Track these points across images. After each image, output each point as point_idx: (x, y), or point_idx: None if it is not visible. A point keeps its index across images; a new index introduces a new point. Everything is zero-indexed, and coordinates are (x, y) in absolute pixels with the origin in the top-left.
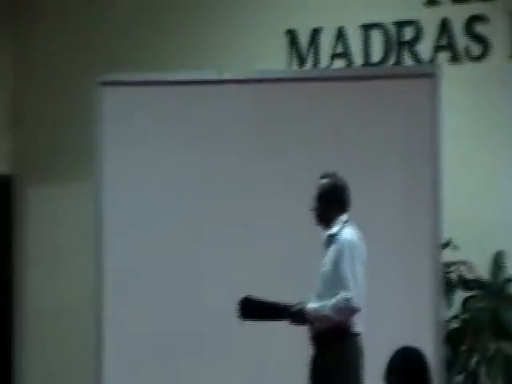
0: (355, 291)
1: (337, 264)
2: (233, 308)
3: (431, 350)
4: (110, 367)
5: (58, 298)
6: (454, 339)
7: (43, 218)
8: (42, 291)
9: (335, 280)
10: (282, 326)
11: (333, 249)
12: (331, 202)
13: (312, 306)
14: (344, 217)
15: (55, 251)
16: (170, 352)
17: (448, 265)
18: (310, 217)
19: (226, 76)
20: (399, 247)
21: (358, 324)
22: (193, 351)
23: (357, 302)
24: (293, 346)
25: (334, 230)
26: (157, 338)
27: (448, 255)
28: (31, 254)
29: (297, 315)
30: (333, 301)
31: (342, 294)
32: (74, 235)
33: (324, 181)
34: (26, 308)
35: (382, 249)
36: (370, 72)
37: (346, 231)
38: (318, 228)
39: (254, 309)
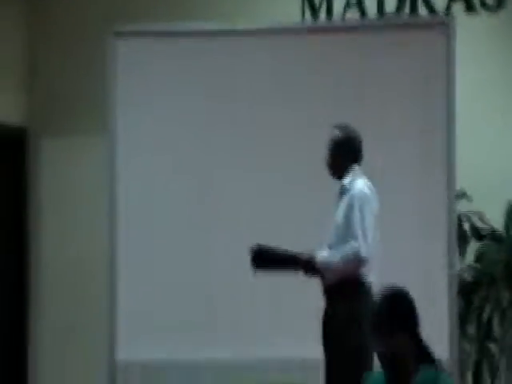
0: (363, 241)
1: (347, 214)
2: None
3: (445, 301)
4: (124, 322)
5: (72, 251)
6: (467, 290)
7: (57, 170)
8: (55, 243)
9: (345, 230)
10: (294, 279)
11: (345, 200)
12: (343, 153)
13: (322, 254)
14: (356, 168)
15: (69, 203)
16: (182, 304)
17: (462, 216)
18: (324, 167)
19: (241, 27)
20: (413, 198)
21: (370, 274)
22: (205, 302)
23: (364, 252)
24: (305, 299)
25: (346, 180)
26: (170, 290)
27: (462, 206)
28: (45, 205)
29: (307, 264)
30: (341, 250)
31: (351, 244)
32: (87, 188)
33: (336, 132)
34: (40, 261)
35: (395, 200)
36: (384, 22)
37: (358, 182)
38: (332, 179)
39: (265, 257)
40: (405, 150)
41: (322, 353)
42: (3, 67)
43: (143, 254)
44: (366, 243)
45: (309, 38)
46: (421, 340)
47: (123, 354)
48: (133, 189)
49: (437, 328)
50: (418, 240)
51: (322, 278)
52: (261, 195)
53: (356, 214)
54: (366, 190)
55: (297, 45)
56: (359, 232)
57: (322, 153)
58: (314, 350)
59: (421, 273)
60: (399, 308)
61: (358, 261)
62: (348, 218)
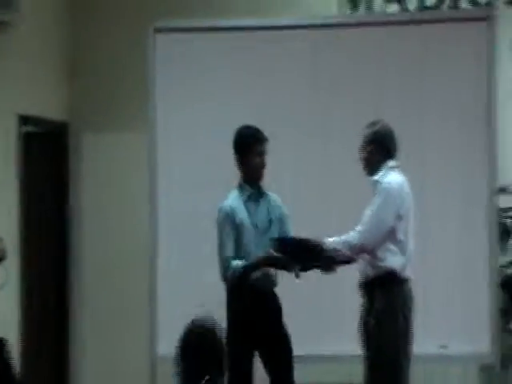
0: (368, 228)
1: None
2: None
3: (486, 296)
4: (165, 317)
5: (112, 246)
6: (509, 285)
7: (98, 165)
8: (96, 238)
9: None
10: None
11: (376, 194)
12: (377, 149)
13: (330, 240)
14: (390, 163)
15: (110, 198)
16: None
17: (504, 210)
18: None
19: (280, 22)
20: (454, 193)
21: (407, 269)
22: None
23: (363, 239)
24: (342, 296)
25: (378, 176)
26: (209, 287)
27: (504, 201)
28: (86, 199)
29: (316, 247)
30: (347, 236)
31: (357, 229)
32: (128, 182)
33: (370, 128)
34: (81, 256)
35: (437, 196)
36: (425, 16)
37: (389, 176)
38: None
39: (287, 245)
40: (446, 144)
41: (360, 348)
42: (45, 64)
43: (184, 250)
44: (370, 232)
45: (349, 31)
46: None
47: (164, 348)
48: (174, 185)
49: (479, 321)
50: (459, 235)
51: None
52: (300, 190)
53: (373, 204)
54: (394, 184)
55: (336, 38)
56: (368, 219)
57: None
58: (351, 347)
59: (463, 266)
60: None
61: (355, 247)
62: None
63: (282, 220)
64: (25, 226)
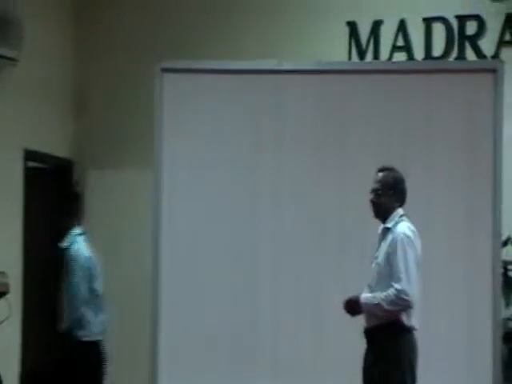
0: (407, 284)
1: (390, 257)
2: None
3: (489, 348)
4: (166, 354)
5: (114, 285)
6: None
7: (102, 201)
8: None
9: (388, 273)
10: (337, 319)
11: (387, 241)
12: (391, 195)
13: (365, 295)
14: (400, 210)
15: (114, 235)
16: (224, 337)
17: (507, 263)
18: (366, 208)
19: (286, 66)
20: (458, 245)
21: (413, 319)
22: (247, 336)
23: (408, 294)
24: (347, 339)
25: (391, 223)
26: (211, 322)
27: (508, 253)
28: (90, 234)
29: (350, 302)
30: (386, 292)
31: (395, 286)
32: (132, 221)
33: (384, 173)
34: None
35: (441, 247)
36: (432, 66)
37: (402, 224)
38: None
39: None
40: (451, 194)
41: None
42: (51, 100)
43: (185, 287)
44: (409, 285)
45: (355, 78)
46: None
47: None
48: (177, 223)
49: (482, 373)
50: (462, 286)
51: (364, 315)
52: (306, 232)
53: (399, 257)
54: (409, 233)
55: (344, 84)
56: (402, 275)
57: (365, 193)
58: None
59: (466, 318)
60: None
61: (402, 302)
62: (390, 260)
63: None
64: (28, 261)
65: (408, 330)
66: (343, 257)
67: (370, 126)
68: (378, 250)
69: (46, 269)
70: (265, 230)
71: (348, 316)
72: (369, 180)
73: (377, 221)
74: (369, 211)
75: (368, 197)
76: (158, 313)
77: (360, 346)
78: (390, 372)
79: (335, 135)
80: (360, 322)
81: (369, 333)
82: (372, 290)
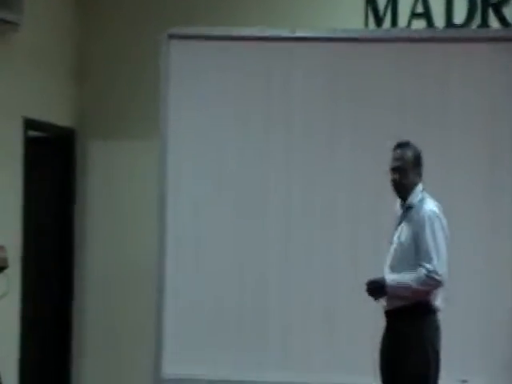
0: (438, 263)
1: (417, 236)
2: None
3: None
4: (171, 338)
5: (118, 257)
6: None
7: (104, 172)
8: (102, 249)
9: (413, 252)
10: (349, 303)
11: (412, 220)
12: (412, 171)
13: (391, 276)
14: (420, 186)
15: (117, 208)
16: (234, 323)
17: None
18: (377, 183)
19: (299, 33)
20: (480, 221)
21: (438, 300)
22: (258, 324)
23: (440, 274)
24: (359, 325)
25: (414, 200)
26: (221, 307)
27: None
28: (92, 206)
29: (374, 283)
30: (416, 273)
31: (426, 266)
32: (135, 191)
33: (404, 149)
34: (86, 266)
35: (461, 224)
36: (453, 34)
37: (428, 201)
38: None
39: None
40: (470, 178)
41: (378, 380)
42: (54, 67)
43: (192, 267)
44: (440, 264)
45: (368, 46)
46: None
47: (169, 370)
48: (184, 194)
49: (501, 357)
50: (484, 267)
51: (387, 297)
52: (318, 205)
53: (428, 236)
54: (437, 210)
55: (359, 54)
56: (433, 254)
57: (375, 166)
58: (366, 378)
59: (486, 301)
60: None
61: (433, 283)
62: (418, 239)
63: None
64: (28, 234)
65: (433, 312)
66: (356, 239)
67: (386, 99)
68: (398, 229)
69: (46, 240)
70: (274, 205)
71: (360, 301)
72: (383, 157)
73: (392, 200)
74: (383, 191)
75: (382, 176)
76: (164, 292)
77: (373, 332)
78: (412, 354)
79: (348, 109)
80: (373, 307)
81: (391, 315)
82: (394, 271)
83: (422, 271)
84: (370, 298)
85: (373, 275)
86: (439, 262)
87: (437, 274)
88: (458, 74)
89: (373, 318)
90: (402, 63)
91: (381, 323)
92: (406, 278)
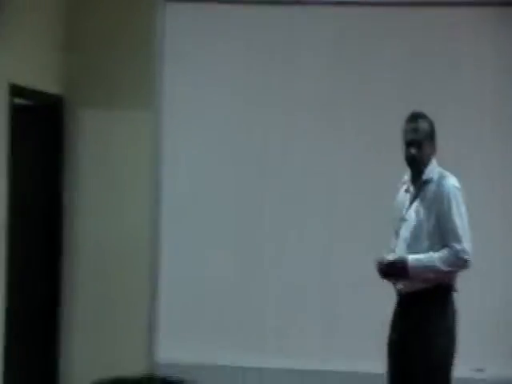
0: (467, 242)
1: (443, 214)
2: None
3: None
4: (166, 322)
5: (109, 235)
6: None
7: (96, 144)
8: (92, 226)
9: (432, 229)
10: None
11: (429, 196)
12: (429, 144)
13: (414, 256)
14: (435, 160)
15: (108, 180)
16: (231, 308)
17: None
18: (385, 154)
19: None
20: (495, 194)
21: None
22: (256, 309)
23: (469, 254)
24: (360, 310)
25: (431, 174)
26: (218, 291)
27: None
28: (82, 177)
29: (395, 264)
30: (442, 252)
31: (455, 246)
32: (126, 162)
33: (420, 121)
34: (75, 245)
35: (478, 198)
36: None
37: (449, 176)
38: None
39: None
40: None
41: (386, 366)
42: (41, 35)
43: (189, 238)
44: (469, 243)
45: (378, 11)
46: None
47: (163, 354)
48: (180, 167)
49: None
50: (499, 249)
51: (408, 278)
52: (318, 187)
53: (455, 213)
54: (458, 185)
55: (360, 17)
56: (461, 233)
57: (387, 135)
58: (365, 364)
59: (502, 286)
60: None
61: (463, 264)
62: (444, 217)
63: None
64: (13, 210)
65: (452, 294)
66: (357, 220)
67: (394, 70)
68: (412, 206)
69: (33, 215)
70: (272, 177)
71: (359, 286)
72: (394, 132)
73: (397, 177)
74: (389, 169)
75: (390, 153)
76: (159, 266)
77: (373, 318)
78: (437, 341)
79: (353, 80)
80: (372, 292)
81: (409, 298)
82: (410, 250)
83: (450, 251)
84: (370, 282)
85: (372, 259)
86: (467, 241)
87: (467, 254)
88: (465, 37)
89: (372, 304)
90: (410, 28)
91: (380, 308)
92: (433, 258)
